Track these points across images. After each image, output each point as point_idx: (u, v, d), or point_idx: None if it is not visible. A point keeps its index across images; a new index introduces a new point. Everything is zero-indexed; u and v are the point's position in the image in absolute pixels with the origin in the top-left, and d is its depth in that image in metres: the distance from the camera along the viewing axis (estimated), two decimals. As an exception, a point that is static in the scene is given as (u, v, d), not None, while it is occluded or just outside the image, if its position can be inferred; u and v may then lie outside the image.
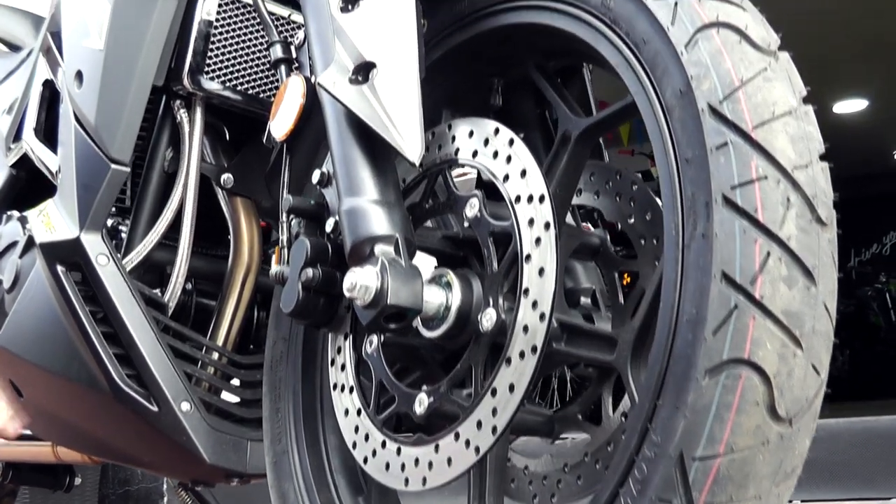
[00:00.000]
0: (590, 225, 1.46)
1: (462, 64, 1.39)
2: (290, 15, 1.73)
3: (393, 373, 1.33)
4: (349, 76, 1.29)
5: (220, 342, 1.74)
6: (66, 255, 1.66)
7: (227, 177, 1.75)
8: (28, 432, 2.09)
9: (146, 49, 1.63)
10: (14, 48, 2.59)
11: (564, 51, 1.33)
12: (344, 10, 1.34)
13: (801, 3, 5.98)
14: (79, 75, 1.69)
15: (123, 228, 1.79)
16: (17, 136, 2.07)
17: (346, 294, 1.23)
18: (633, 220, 1.32)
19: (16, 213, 2.00)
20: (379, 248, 1.24)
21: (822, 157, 1.07)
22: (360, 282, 1.21)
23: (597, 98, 1.45)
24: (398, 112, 1.25)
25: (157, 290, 1.75)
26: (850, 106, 8.06)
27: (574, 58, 1.37)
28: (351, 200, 1.28)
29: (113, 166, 1.64)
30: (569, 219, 1.37)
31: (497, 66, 1.41)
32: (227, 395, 1.72)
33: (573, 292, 1.39)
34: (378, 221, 1.25)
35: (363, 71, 1.29)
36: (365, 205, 1.27)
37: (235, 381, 1.76)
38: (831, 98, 7.84)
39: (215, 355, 1.73)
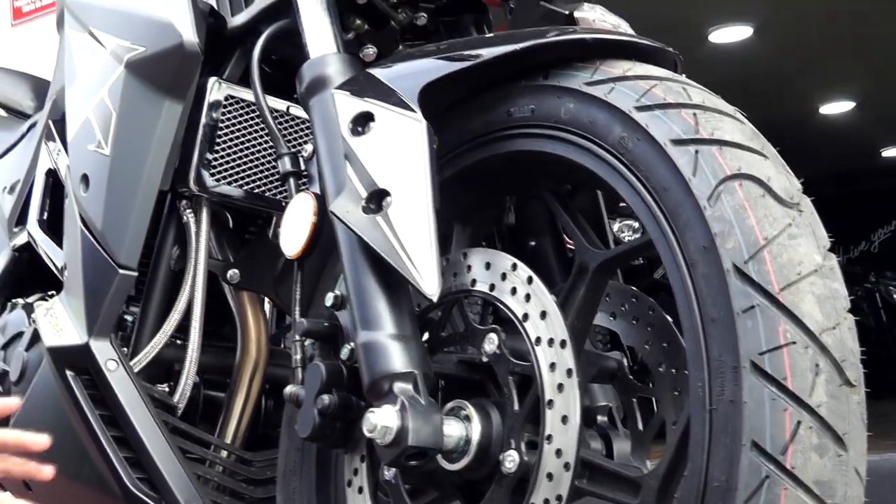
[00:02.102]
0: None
1: (473, 183, 1.38)
2: (288, 108, 1.71)
3: (408, 493, 1.33)
4: (362, 204, 1.28)
5: (228, 439, 1.73)
6: (75, 360, 1.65)
7: (233, 272, 1.73)
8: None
9: (152, 154, 1.61)
10: (13, 112, 2.57)
11: (580, 181, 1.32)
12: (355, 132, 1.33)
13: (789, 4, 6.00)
14: (85, 179, 1.68)
15: (128, 317, 1.78)
16: (20, 220, 2.05)
17: (367, 434, 1.22)
18: (649, 347, 1.32)
19: (20, 301, 1.98)
20: (398, 387, 1.23)
21: (849, 311, 1.06)
22: (380, 423, 1.20)
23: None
24: (414, 244, 1.24)
25: (164, 385, 1.74)
26: (837, 107, 8.07)
27: (590, 188, 1.36)
28: (367, 334, 1.27)
29: (121, 272, 1.63)
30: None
31: (510, 186, 1.40)
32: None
33: (589, 410, 1.39)
34: (396, 358, 1.25)
35: (376, 199, 1.28)
36: (382, 339, 1.26)
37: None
38: (819, 99, 7.86)
39: (224, 453, 1.72)
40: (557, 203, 1.34)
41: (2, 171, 2.26)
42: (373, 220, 1.27)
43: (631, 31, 1.68)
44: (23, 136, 2.24)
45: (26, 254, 2.08)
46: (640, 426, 1.34)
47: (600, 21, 1.65)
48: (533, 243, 1.48)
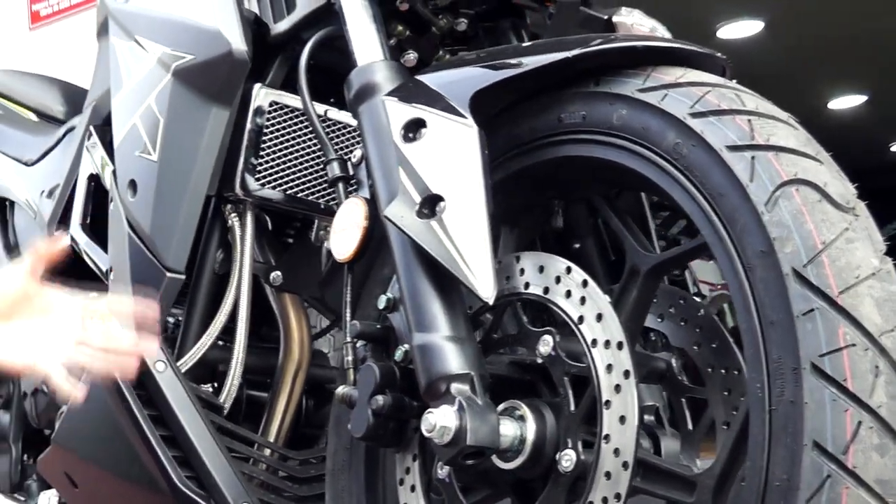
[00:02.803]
0: None
1: (522, 187, 1.41)
2: (326, 112, 1.73)
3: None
4: (416, 209, 1.31)
5: (271, 438, 1.77)
6: (124, 361, 1.67)
7: (276, 275, 1.76)
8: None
9: (200, 159, 1.64)
10: (44, 116, 2.60)
11: (631, 185, 1.35)
12: (407, 139, 1.35)
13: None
14: (132, 184, 1.71)
15: (169, 319, 1.80)
16: (61, 224, 2.08)
17: (426, 434, 1.25)
18: (698, 348, 1.34)
19: (62, 303, 2.01)
20: (455, 387, 1.25)
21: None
22: (439, 423, 1.23)
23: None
24: (469, 248, 1.26)
25: (207, 385, 1.77)
26: (847, 102, 8.10)
27: (641, 192, 1.38)
28: (423, 336, 1.29)
29: (168, 275, 1.66)
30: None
31: (558, 190, 1.43)
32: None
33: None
34: (452, 359, 1.27)
35: (430, 204, 1.31)
36: (438, 341, 1.28)
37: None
38: (829, 94, 7.88)
39: (267, 451, 1.75)
40: (607, 207, 1.36)
41: (39, 175, 2.28)
42: (427, 224, 1.29)
43: (668, 35, 1.70)
44: (59, 141, 2.27)
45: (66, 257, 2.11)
46: (690, 426, 1.36)
47: (638, 25, 1.67)
48: (577, 246, 1.50)
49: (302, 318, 1.78)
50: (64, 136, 2.26)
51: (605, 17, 1.66)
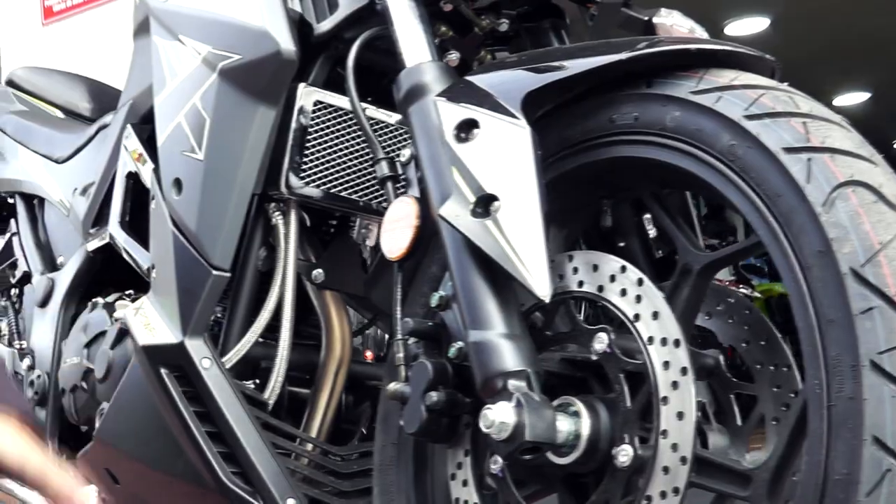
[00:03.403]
0: None
1: (572, 186, 1.43)
2: (365, 109, 1.75)
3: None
4: (470, 208, 1.33)
5: (313, 433, 1.79)
6: (170, 358, 1.70)
7: (317, 272, 1.78)
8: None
9: (246, 158, 1.66)
10: (70, 114, 2.62)
11: (684, 186, 1.37)
12: (460, 139, 1.38)
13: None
14: (177, 182, 1.73)
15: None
16: (97, 222, 2.10)
17: (484, 430, 1.27)
18: (746, 345, 1.37)
19: (100, 301, 2.04)
20: (512, 384, 1.28)
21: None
22: (498, 419, 1.25)
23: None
24: (524, 247, 1.29)
25: (250, 382, 1.79)
26: (851, 98, 8.14)
27: (694, 192, 1.41)
28: (478, 334, 1.32)
29: (214, 273, 1.68)
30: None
31: (609, 190, 1.45)
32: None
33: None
34: (509, 356, 1.30)
35: (484, 203, 1.33)
36: (494, 339, 1.31)
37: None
38: (833, 91, 7.93)
39: (309, 446, 1.77)
40: (658, 206, 1.39)
41: (71, 172, 2.31)
42: (482, 224, 1.31)
43: (706, 35, 1.73)
44: (91, 139, 2.29)
45: (101, 255, 2.13)
46: (739, 421, 1.39)
47: (677, 26, 1.70)
48: (622, 244, 1.52)
49: (343, 316, 1.81)
50: (96, 133, 2.28)
51: (646, 17, 1.68)
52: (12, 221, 2.53)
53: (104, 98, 2.66)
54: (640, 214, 1.52)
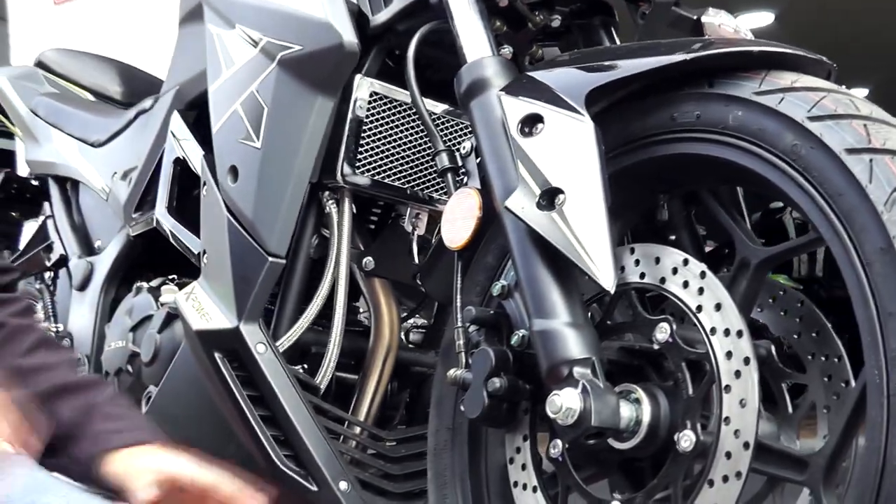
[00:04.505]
0: None
1: (632, 181, 1.47)
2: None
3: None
4: (536, 201, 1.38)
5: (361, 417, 1.84)
6: (225, 343, 1.74)
7: (367, 260, 1.83)
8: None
9: (304, 147, 1.70)
10: (100, 96, 2.64)
11: (745, 183, 1.42)
12: (525, 134, 1.42)
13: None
14: (233, 170, 1.77)
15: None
16: (140, 207, 2.14)
17: (551, 415, 1.32)
18: (798, 337, 1.42)
19: (145, 285, 2.07)
20: (577, 371, 1.33)
21: None
22: (565, 405, 1.30)
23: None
24: (589, 239, 1.33)
25: (299, 367, 1.84)
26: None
27: (750, 188, 1.45)
28: (543, 322, 1.37)
29: (270, 259, 1.72)
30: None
31: (666, 185, 1.49)
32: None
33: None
34: (574, 344, 1.34)
35: (549, 196, 1.37)
36: (559, 327, 1.36)
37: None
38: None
39: (357, 430, 1.82)
40: (716, 203, 1.44)
41: (109, 156, 2.34)
42: (548, 216, 1.36)
43: (750, 35, 1.78)
44: (129, 123, 2.32)
45: (142, 239, 2.17)
46: (790, 410, 1.44)
47: (725, 26, 1.74)
48: (673, 238, 1.57)
49: (392, 303, 1.85)
50: (135, 118, 2.31)
51: (695, 17, 1.73)
52: (46, 205, 2.57)
53: (134, 82, 2.70)
54: (688, 209, 1.56)
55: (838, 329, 1.45)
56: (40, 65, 2.78)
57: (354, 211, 1.86)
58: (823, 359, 1.40)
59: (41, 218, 2.59)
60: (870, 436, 1.17)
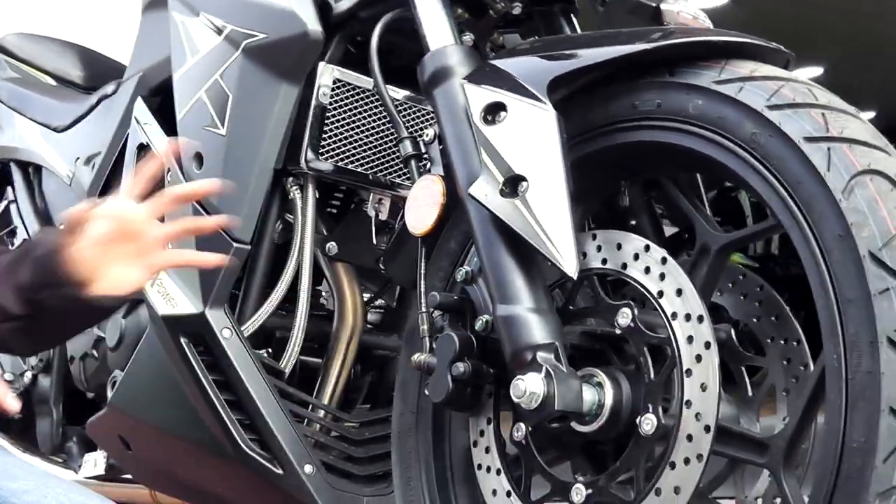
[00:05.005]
0: None
1: (593, 168, 1.49)
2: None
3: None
4: (499, 188, 1.40)
5: (325, 401, 1.85)
6: (190, 327, 1.75)
7: (331, 245, 1.84)
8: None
9: (269, 134, 1.71)
10: (62, 81, 2.62)
11: (704, 171, 1.44)
12: (488, 122, 1.43)
13: None
14: (198, 157, 1.77)
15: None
16: (103, 193, 2.13)
17: (515, 400, 1.34)
18: (758, 320, 1.45)
19: (110, 271, 2.07)
20: (541, 356, 1.35)
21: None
22: (528, 389, 1.33)
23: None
24: (552, 226, 1.35)
25: (263, 351, 1.85)
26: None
27: (710, 175, 1.48)
28: (507, 308, 1.39)
29: (235, 245, 1.73)
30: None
31: (629, 172, 1.52)
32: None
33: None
34: (537, 330, 1.36)
35: (512, 184, 1.39)
36: (522, 313, 1.38)
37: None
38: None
39: (321, 413, 1.84)
40: (676, 188, 1.46)
41: (72, 141, 2.32)
42: (511, 203, 1.38)
43: (709, 22, 1.80)
44: (92, 108, 2.31)
45: None
46: (749, 393, 1.47)
47: (683, 14, 1.76)
48: (633, 223, 1.60)
49: (355, 287, 1.87)
50: (98, 103, 2.30)
51: (654, 4, 1.75)
52: (8, 189, 2.54)
53: (96, 66, 2.68)
54: (648, 194, 1.59)
55: (794, 306, 1.49)
56: (1, 49, 2.75)
57: (319, 197, 1.87)
58: (783, 342, 1.44)
59: (4, 202, 2.57)
60: (829, 418, 1.20)
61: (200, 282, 1.75)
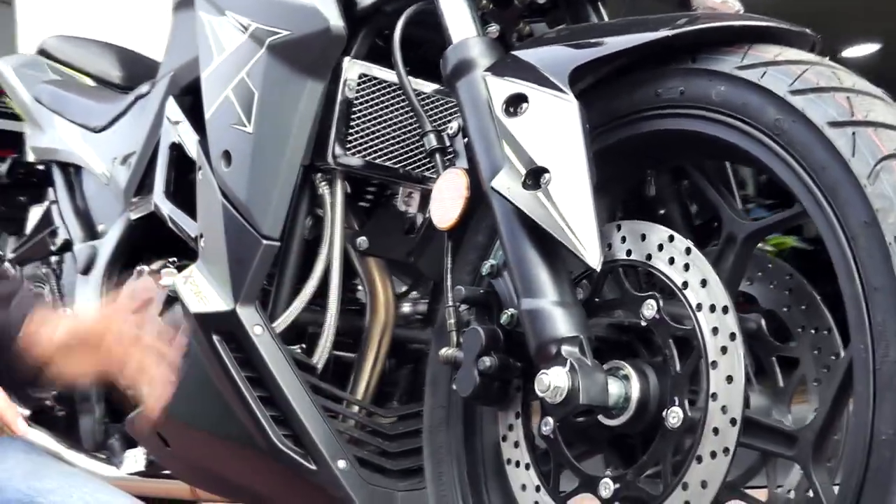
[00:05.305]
0: None
1: (618, 157, 1.47)
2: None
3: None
4: (522, 180, 1.38)
5: (359, 396, 1.85)
6: (222, 325, 1.76)
7: (361, 239, 1.84)
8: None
9: (295, 131, 1.71)
10: (100, 81, 2.66)
11: (729, 158, 1.42)
12: (510, 114, 1.42)
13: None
14: (226, 155, 1.78)
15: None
16: (139, 191, 2.15)
17: (539, 394, 1.33)
18: (787, 309, 1.42)
19: (146, 268, 2.09)
20: (565, 349, 1.33)
21: None
22: (553, 383, 1.31)
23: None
24: (575, 218, 1.34)
25: (296, 347, 1.85)
26: (861, 50, 8.13)
27: (738, 164, 1.45)
28: (532, 302, 1.37)
29: (265, 242, 1.73)
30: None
31: (653, 161, 1.50)
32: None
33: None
34: (562, 323, 1.35)
35: (535, 176, 1.38)
36: (547, 307, 1.36)
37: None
38: (842, 41, 7.91)
39: (355, 409, 1.84)
40: (703, 178, 1.43)
41: (109, 141, 2.35)
42: (534, 195, 1.36)
43: (739, 7, 1.77)
44: (128, 108, 2.34)
45: (142, 223, 2.18)
46: (780, 383, 1.45)
47: (712, -1, 1.74)
48: (662, 212, 1.57)
49: (387, 281, 1.86)
50: (133, 103, 2.32)
51: (680, -10, 1.72)
52: (50, 190, 2.58)
53: (135, 66, 2.71)
54: (678, 183, 1.56)
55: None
56: (42, 52, 2.80)
57: (348, 191, 1.87)
58: (813, 331, 1.41)
59: (46, 203, 2.61)
60: (857, 410, 1.17)
61: (231, 279, 1.76)
